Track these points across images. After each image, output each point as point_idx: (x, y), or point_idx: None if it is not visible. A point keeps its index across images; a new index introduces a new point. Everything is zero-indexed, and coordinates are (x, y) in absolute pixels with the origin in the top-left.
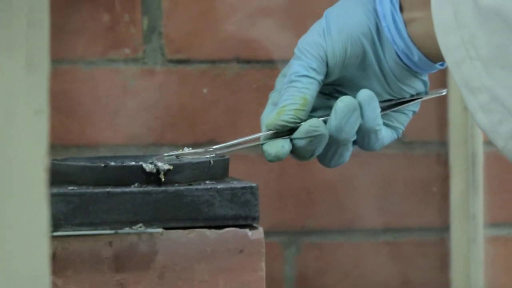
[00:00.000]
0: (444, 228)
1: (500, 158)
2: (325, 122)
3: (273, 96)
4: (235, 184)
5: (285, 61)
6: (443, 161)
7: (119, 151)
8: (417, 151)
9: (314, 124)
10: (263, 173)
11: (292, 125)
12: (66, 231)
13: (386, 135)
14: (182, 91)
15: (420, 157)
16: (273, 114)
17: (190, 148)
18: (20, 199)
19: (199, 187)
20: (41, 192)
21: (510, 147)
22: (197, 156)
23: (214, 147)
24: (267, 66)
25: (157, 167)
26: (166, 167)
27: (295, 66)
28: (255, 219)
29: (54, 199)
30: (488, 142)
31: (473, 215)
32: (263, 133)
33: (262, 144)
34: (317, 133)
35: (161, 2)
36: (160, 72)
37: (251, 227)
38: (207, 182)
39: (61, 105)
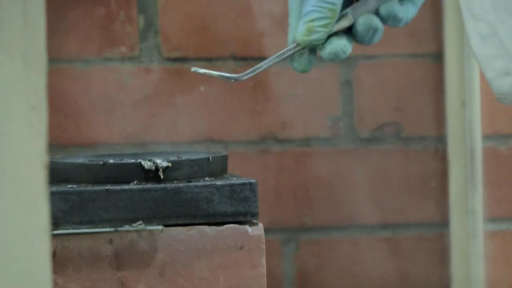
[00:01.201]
0: (443, 223)
1: (498, 152)
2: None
3: (293, 8)
4: (234, 181)
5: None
6: (441, 156)
7: (116, 149)
8: (415, 146)
9: (340, 47)
10: (260, 171)
11: (323, 41)
12: (65, 229)
13: (412, 12)
14: (179, 89)
15: (418, 153)
16: (302, 29)
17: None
18: (19, 196)
19: (198, 183)
20: (40, 189)
21: (498, 82)
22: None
23: (244, 73)
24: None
25: (155, 164)
26: (165, 164)
27: None
28: (254, 215)
29: (53, 197)
30: (486, 137)
31: (472, 209)
32: (293, 49)
33: (290, 61)
34: (343, 55)
35: (157, 0)
36: (157, 70)
37: (251, 223)
38: (206, 178)
39: (58, 104)
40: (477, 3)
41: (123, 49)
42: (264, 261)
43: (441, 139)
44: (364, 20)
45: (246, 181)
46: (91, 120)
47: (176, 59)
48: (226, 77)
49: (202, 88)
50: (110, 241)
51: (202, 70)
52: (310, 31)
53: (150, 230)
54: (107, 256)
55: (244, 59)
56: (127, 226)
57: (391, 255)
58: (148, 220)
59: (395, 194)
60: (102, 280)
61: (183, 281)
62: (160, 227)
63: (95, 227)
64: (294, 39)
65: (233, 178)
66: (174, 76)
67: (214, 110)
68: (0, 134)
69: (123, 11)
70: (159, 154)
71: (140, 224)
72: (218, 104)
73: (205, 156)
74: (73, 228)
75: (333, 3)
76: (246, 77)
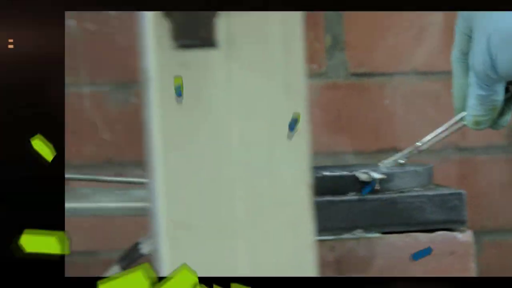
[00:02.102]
0: None
1: None
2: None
3: (456, 73)
4: (444, 191)
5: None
6: None
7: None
8: None
9: (504, 125)
10: (440, 178)
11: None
12: None
13: None
14: (365, 103)
15: None
16: (470, 120)
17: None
18: (287, 215)
19: (411, 194)
20: (306, 207)
21: None
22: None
23: (422, 141)
24: (443, 77)
25: (371, 177)
26: (380, 176)
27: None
28: (463, 223)
29: None
30: None
31: None
32: (460, 123)
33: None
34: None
35: (342, 19)
36: (343, 85)
37: (460, 231)
38: (415, 189)
39: None
40: None
41: (314, 66)
42: (474, 265)
43: None
44: None
45: (455, 192)
46: None
47: (361, 75)
48: (413, 152)
49: (386, 102)
50: (332, 248)
51: (390, 162)
52: (477, 123)
53: (368, 238)
54: (329, 262)
55: (425, 73)
56: (347, 234)
57: None
58: (366, 229)
59: None
60: None
61: None
62: (379, 234)
63: (319, 235)
64: (462, 119)
65: (442, 189)
66: (360, 91)
67: (398, 122)
68: (268, 158)
69: (311, 31)
70: (364, 166)
71: (360, 232)
72: (403, 116)
73: (415, 168)
74: None
75: (494, 104)
76: (427, 146)
